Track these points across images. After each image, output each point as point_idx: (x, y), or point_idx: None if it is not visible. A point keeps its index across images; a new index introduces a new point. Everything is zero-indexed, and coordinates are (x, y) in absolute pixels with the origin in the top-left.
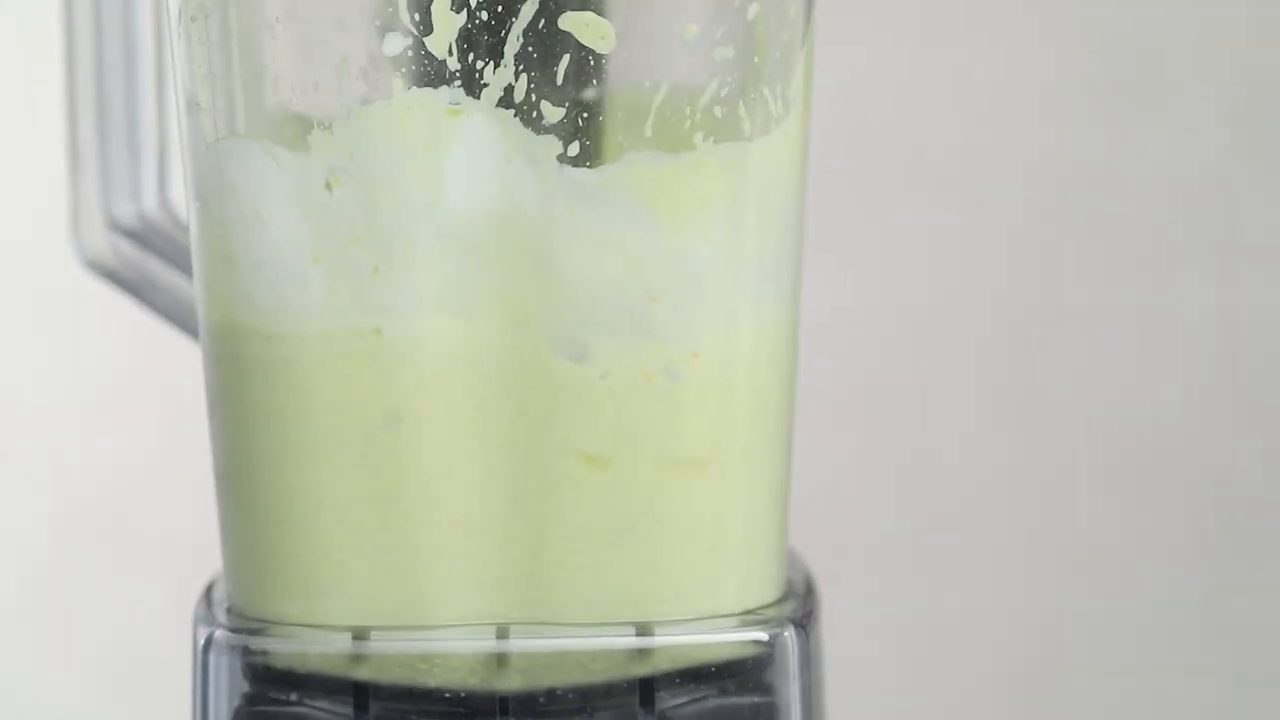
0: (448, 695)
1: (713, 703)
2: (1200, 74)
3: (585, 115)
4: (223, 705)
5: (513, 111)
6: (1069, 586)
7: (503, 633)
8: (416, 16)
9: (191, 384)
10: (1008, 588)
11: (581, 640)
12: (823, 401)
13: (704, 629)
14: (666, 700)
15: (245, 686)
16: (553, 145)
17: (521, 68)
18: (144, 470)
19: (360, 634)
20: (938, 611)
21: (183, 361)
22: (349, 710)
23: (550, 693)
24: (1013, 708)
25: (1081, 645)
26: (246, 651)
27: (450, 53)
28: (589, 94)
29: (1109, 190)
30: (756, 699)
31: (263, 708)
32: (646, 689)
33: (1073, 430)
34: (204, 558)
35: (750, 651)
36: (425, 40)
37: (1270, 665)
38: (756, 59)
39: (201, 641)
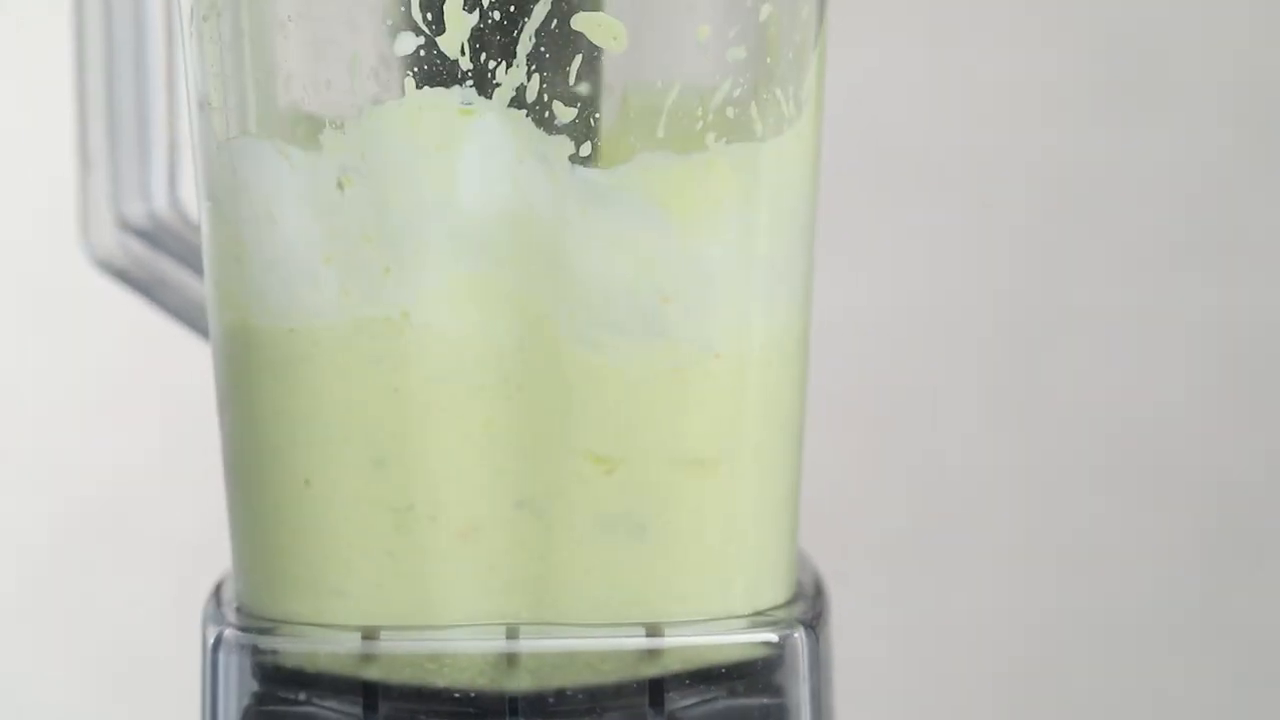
0: (457, 695)
1: (722, 704)
2: (1203, 74)
3: (597, 115)
4: (232, 704)
5: (525, 111)
6: (1071, 586)
7: (512, 633)
8: (429, 16)
9: (192, 384)
10: (1011, 587)
11: (591, 641)
12: (830, 402)
13: (714, 630)
14: (676, 701)
15: (254, 686)
16: (565, 145)
17: (534, 68)
18: (144, 470)
19: (370, 634)
20: (943, 611)
21: (183, 361)
22: (358, 710)
23: (560, 693)
24: (1016, 707)
25: (1083, 645)
26: (256, 651)
27: (462, 52)
28: (601, 94)
29: (1112, 191)
30: (766, 700)
31: (272, 707)
32: (656, 690)
33: (1076, 431)
34: (204, 558)
35: (760, 653)
36: (437, 40)
37: (1271, 665)
38: (769, 60)
39: (211, 640)
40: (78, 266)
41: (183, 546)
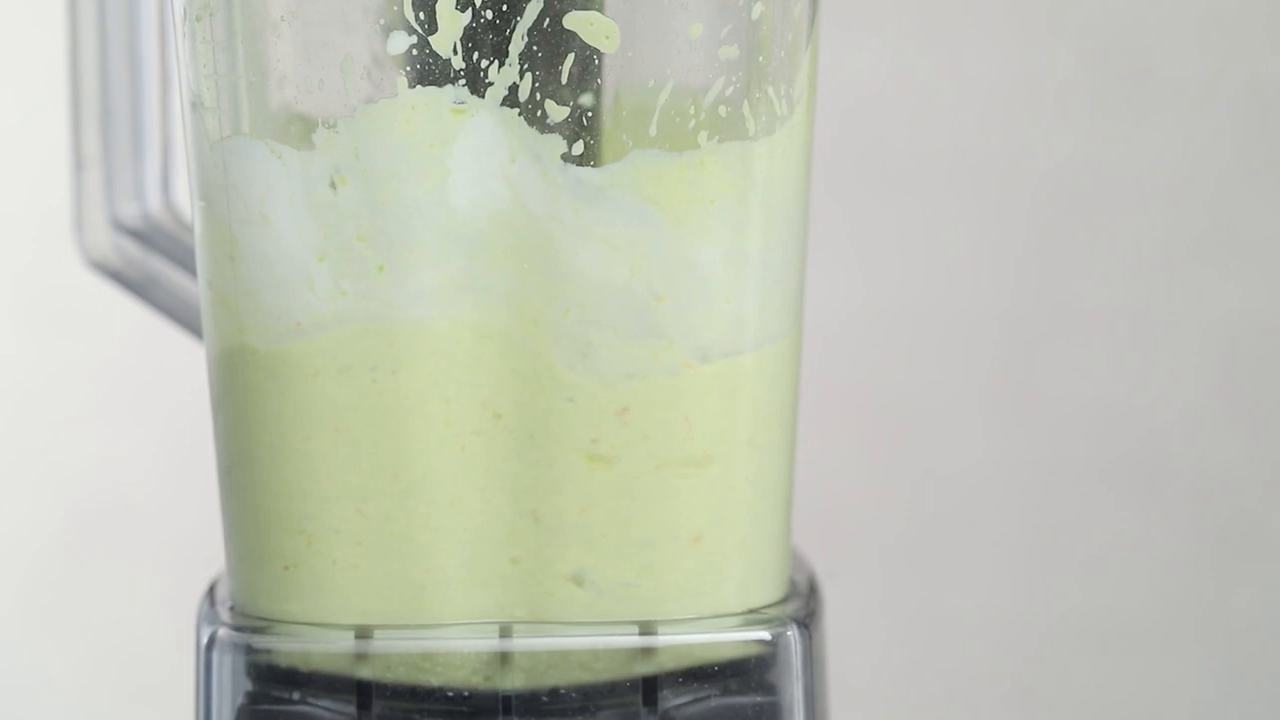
0: (450, 694)
1: (716, 702)
2: (1203, 74)
3: (590, 114)
4: (226, 704)
5: (517, 110)
6: (1071, 587)
7: (506, 632)
8: (421, 15)
9: (192, 384)
10: (1009, 588)
11: (584, 639)
12: (825, 401)
13: (707, 628)
14: (669, 699)
15: (248, 685)
16: (557, 144)
17: (526, 67)
18: (144, 470)
19: (363, 633)
20: (939, 611)
21: (183, 362)
22: (352, 709)
23: (553, 692)
24: (1014, 708)
25: (1083, 646)
26: (250, 650)
27: (455, 51)
28: (593, 93)
29: (1112, 191)
30: (759, 698)
31: (266, 706)
32: (649, 688)
33: (1076, 431)
34: (204, 558)
35: (753, 651)
36: (430, 39)
37: (1274, 665)
38: (761, 58)
39: (205, 640)
40: (79, 267)
41: (183, 546)
